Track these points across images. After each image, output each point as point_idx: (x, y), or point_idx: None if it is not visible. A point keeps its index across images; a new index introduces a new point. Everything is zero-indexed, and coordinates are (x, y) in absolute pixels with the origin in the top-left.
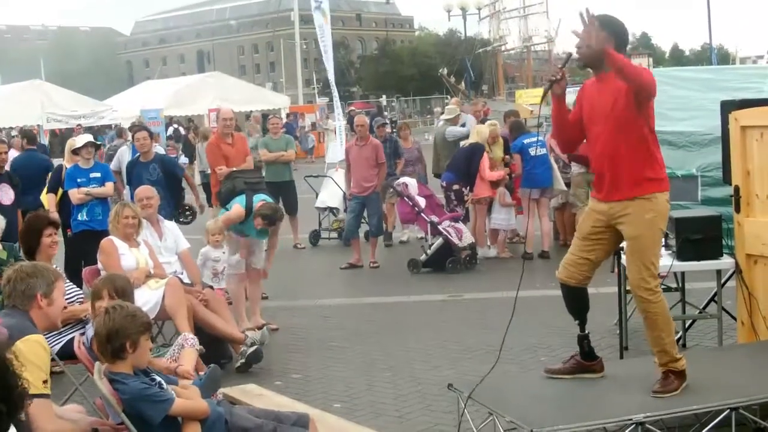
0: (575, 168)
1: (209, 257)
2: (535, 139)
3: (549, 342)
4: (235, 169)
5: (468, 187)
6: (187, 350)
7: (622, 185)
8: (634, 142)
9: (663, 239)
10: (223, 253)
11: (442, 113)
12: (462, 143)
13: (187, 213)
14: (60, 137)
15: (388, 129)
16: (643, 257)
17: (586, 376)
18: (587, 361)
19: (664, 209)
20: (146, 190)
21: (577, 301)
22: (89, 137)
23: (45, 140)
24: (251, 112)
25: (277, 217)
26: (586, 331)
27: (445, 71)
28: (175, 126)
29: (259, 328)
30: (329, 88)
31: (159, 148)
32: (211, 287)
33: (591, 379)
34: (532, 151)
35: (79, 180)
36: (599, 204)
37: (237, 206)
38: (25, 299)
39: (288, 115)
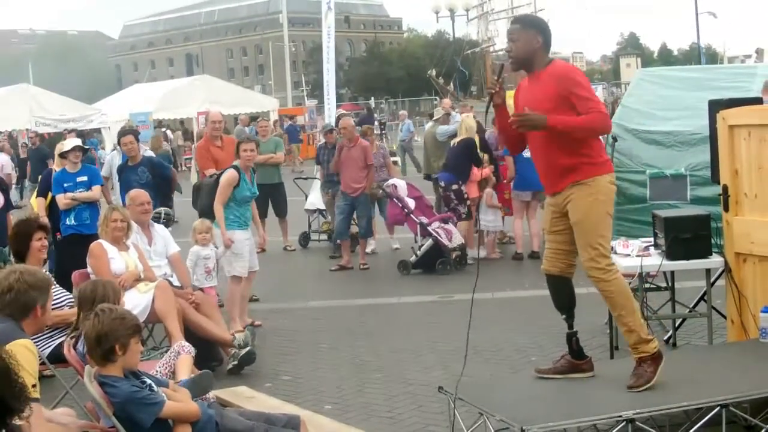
0: None
1: (200, 255)
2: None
3: (539, 342)
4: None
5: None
6: (183, 357)
7: (559, 176)
8: (558, 134)
9: (610, 219)
10: (213, 249)
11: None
12: (452, 141)
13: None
14: (48, 141)
15: (336, 134)
16: (589, 238)
17: (576, 376)
18: (577, 360)
19: (606, 190)
20: (142, 195)
21: (562, 293)
22: (77, 141)
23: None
24: (240, 114)
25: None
26: (575, 329)
27: (434, 73)
28: (163, 129)
29: (248, 326)
30: (318, 90)
31: (149, 152)
32: (201, 290)
33: (581, 378)
34: (524, 153)
35: (65, 185)
36: (549, 198)
37: (225, 174)
38: (25, 311)
39: (291, 118)
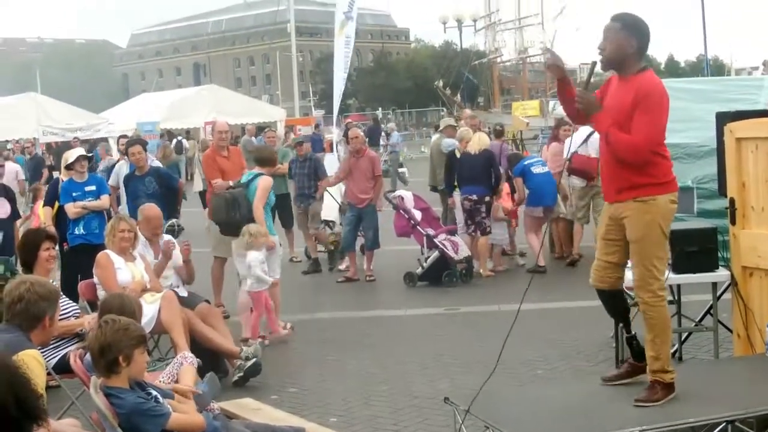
0: (576, 181)
1: (260, 260)
2: (534, 159)
3: (546, 355)
4: (231, 182)
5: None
6: (186, 367)
7: (621, 188)
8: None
9: (666, 240)
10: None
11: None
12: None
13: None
14: (56, 150)
15: (308, 147)
16: (644, 259)
17: (642, 378)
18: (639, 362)
19: (665, 211)
20: (156, 217)
21: (613, 304)
22: (81, 151)
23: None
24: (247, 124)
25: None
26: (633, 332)
27: (441, 83)
28: (179, 138)
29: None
30: (325, 101)
31: (156, 162)
32: (207, 301)
33: (588, 393)
34: (534, 170)
35: (74, 194)
36: (607, 206)
37: (264, 180)
38: (34, 322)
39: (316, 126)
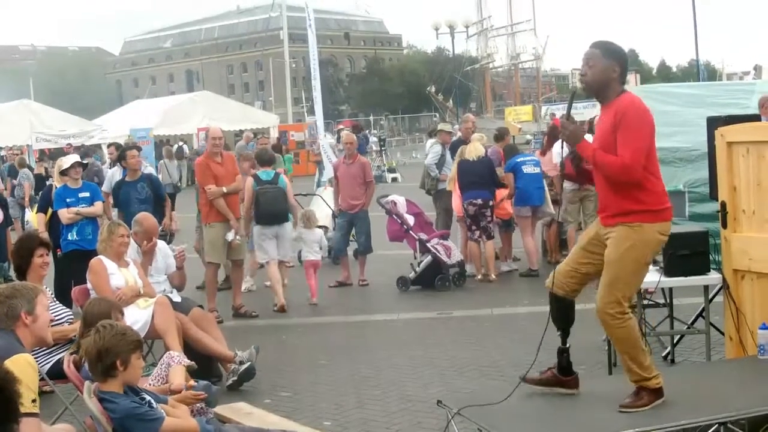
0: (567, 185)
1: (319, 236)
2: (529, 157)
3: (538, 358)
4: (225, 188)
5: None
6: (174, 368)
7: (612, 213)
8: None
9: (643, 269)
10: None
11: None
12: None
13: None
14: (49, 157)
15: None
16: (614, 282)
17: (560, 391)
18: (563, 375)
19: (649, 239)
20: (153, 228)
21: (562, 311)
22: (76, 157)
23: (33, 160)
24: (241, 131)
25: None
26: (567, 345)
27: (433, 89)
28: (181, 143)
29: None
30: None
31: (149, 168)
32: (201, 306)
33: (581, 396)
34: (525, 169)
35: (68, 200)
36: (598, 223)
37: (283, 176)
38: (9, 320)
39: (359, 129)
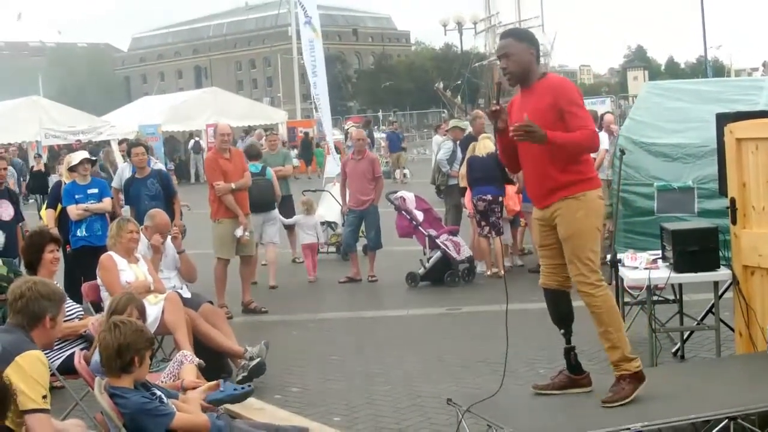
0: None
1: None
2: None
3: (547, 354)
4: (233, 185)
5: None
6: (186, 366)
7: (551, 190)
8: (555, 149)
9: (599, 234)
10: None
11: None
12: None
13: None
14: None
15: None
16: (579, 253)
17: (575, 391)
18: (575, 374)
19: (595, 206)
20: (164, 224)
21: (559, 307)
22: (85, 154)
23: (44, 156)
24: (249, 126)
25: None
26: (573, 344)
27: (441, 85)
28: (196, 139)
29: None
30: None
31: (159, 165)
32: (210, 302)
33: (589, 390)
34: None
35: (77, 196)
36: (537, 212)
37: (270, 169)
38: (34, 320)
39: (392, 124)
